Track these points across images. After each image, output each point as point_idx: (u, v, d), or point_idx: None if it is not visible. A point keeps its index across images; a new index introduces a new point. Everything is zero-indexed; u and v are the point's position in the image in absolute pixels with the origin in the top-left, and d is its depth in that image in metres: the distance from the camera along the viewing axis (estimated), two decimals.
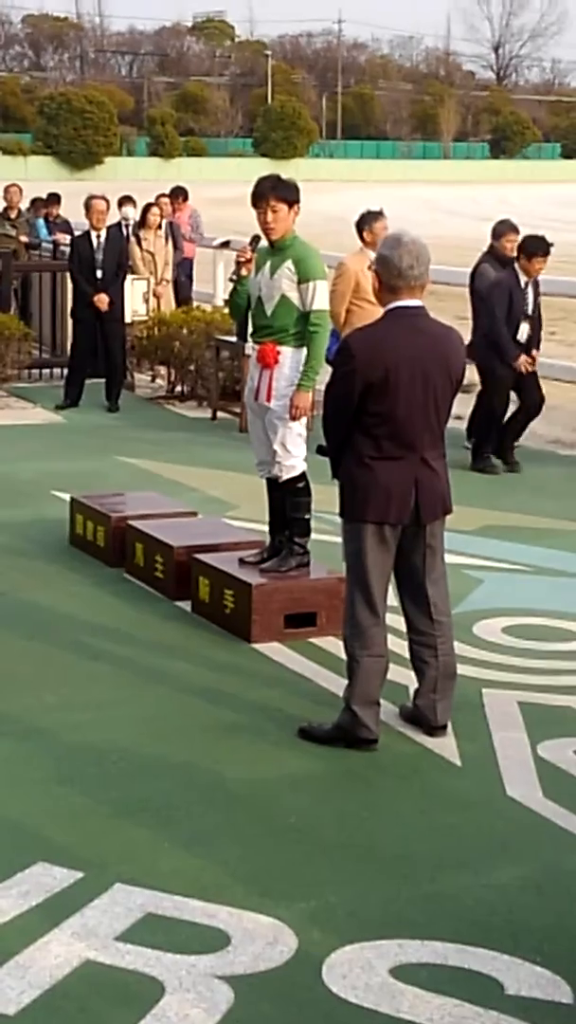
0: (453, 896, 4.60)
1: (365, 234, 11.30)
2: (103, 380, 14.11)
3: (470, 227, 37.48)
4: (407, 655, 6.05)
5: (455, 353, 5.80)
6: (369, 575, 5.72)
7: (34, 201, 20.63)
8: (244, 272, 7.62)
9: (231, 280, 7.81)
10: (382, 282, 5.70)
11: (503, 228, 12.35)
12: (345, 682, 5.86)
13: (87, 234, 14.15)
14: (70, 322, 14.76)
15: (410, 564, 5.84)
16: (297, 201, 7.38)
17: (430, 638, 5.90)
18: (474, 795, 5.41)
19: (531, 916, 4.48)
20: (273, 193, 7.31)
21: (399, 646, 6.12)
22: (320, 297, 7.33)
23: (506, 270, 11.79)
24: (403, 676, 6.20)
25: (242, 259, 7.65)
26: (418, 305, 5.71)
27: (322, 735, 5.84)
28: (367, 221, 11.33)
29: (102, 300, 13.82)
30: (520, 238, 11.90)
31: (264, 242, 7.52)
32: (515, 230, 12.31)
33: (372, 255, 11.45)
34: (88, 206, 13.95)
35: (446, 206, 58.78)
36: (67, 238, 18.98)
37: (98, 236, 13.95)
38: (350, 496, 5.74)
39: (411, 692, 6.09)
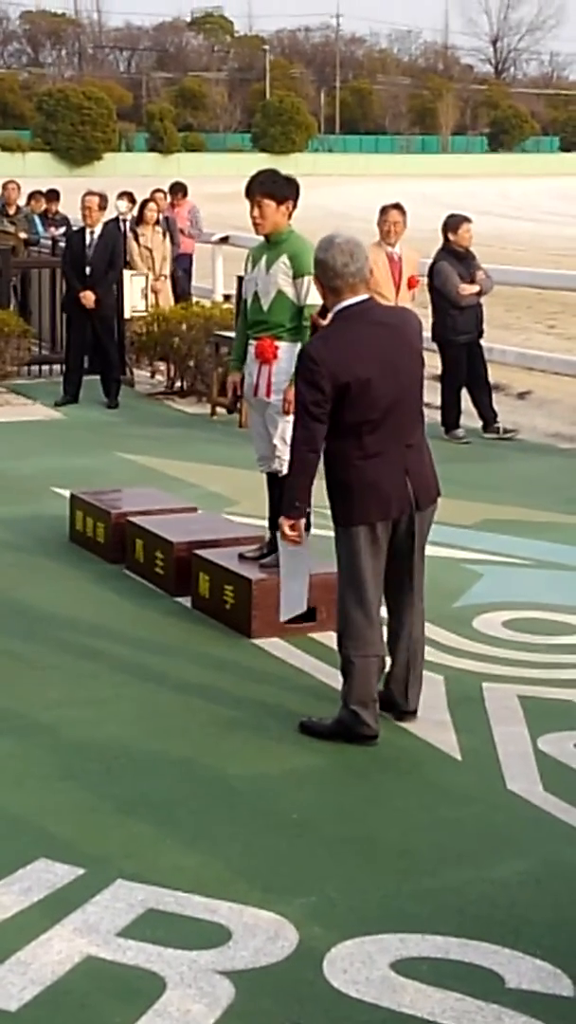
0: (454, 890, 4.61)
1: (380, 225, 11.47)
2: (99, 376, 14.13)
3: None
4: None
5: (414, 332, 5.78)
6: (364, 576, 5.69)
7: (32, 195, 20.64)
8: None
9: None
10: (323, 286, 5.69)
11: (457, 220, 12.40)
12: None
13: (81, 230, 14.14)
14: (66, 318, 14.76)
15: (398, 556, 5.81)
16: (288, 197, 7.35)
17: (406, 625, 5.92)
18: (475, 789, 5.41)
19: (532, 910, 4.49)
20: (260, 189, 7.32)
21: None
22: (314, 291, 7.30)
23: (462, 263, 12.14)
24: None
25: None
26: (365, 298, 5.68)
27: (323, 730, 5.84)
28: (381, 213, 11.44)
29: (88, 297, 13.76)
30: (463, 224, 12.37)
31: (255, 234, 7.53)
32: (468, 220, 12.42)
33: (389, 248, 11.67)
34: (81, 202, 13.96)
35: (445, 200, 58.55)
36: (59, 231, 19.03)
37: (91, 232, 13.93)
38: (345, 501, 5.66)
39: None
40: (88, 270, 13.82)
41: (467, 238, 12.29)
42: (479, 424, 12.65)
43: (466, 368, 12.33)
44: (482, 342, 12.58)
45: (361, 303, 5.65)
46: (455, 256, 12.23)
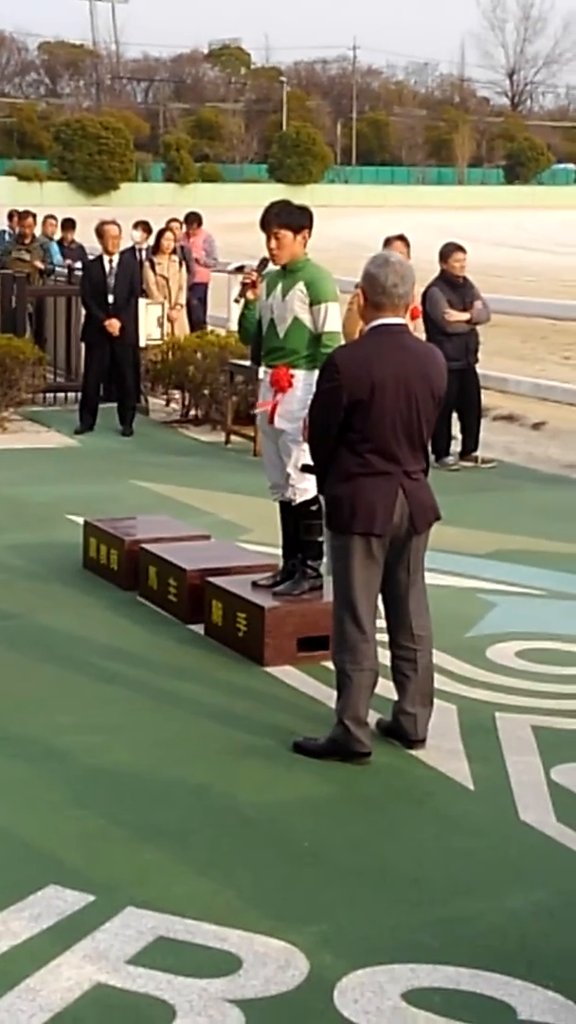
0: (466, 921, 4.58)
1: None
2: (116, 404, 14.16)
3: (485, 253, 37.58)
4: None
5: (436, 371, 5.88)
6: (356, 589, 5.77)
7: (46, 219, 20.76)
8: (251, 295, 7.67)
9: (236, 301, 7.83)
10: (367, 299, 5.82)
11: (449, 249, 12.65)
12: None
13: (99, 259, 14.20)
14: (83, 346, 14.81)
15: (394, 577, 5.88)
16: (304, 227, 7.39)
17: (411, 652, 5.95)
18: (487, 820, 5.39)
19: (544, 941, 4.46)
20: (276, 220, 7.36)
21: (384, 656, 6.10)
22: (332, 319, 7.35)
23: (456, 291, 12.23)
24: (390, 689, 6.17)
25: (248, 281, 7.71)
26: (401, 323, 5.82)
27: (316, 749, 5.87)
28: (385, 244, 11.54)
29: (113, 325, 13.84)
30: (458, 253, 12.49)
31: (272, 265, 7.55)
32: (462, 249, 12.59)
33: None
34: (100, 232, 14.00)
35: (461, 232, 58.61)
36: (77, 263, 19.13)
37: (110, 261, 13.99)
38: (336, 510, 5.79)
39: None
40: (111, 298, 13.89)
41: (457, 267, 12.47)
42: (458, 449, 12.70)
43: (457, 394, 12.36)
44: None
45: (395, 325, 5.79)
46: (448, 284, 12.41)
